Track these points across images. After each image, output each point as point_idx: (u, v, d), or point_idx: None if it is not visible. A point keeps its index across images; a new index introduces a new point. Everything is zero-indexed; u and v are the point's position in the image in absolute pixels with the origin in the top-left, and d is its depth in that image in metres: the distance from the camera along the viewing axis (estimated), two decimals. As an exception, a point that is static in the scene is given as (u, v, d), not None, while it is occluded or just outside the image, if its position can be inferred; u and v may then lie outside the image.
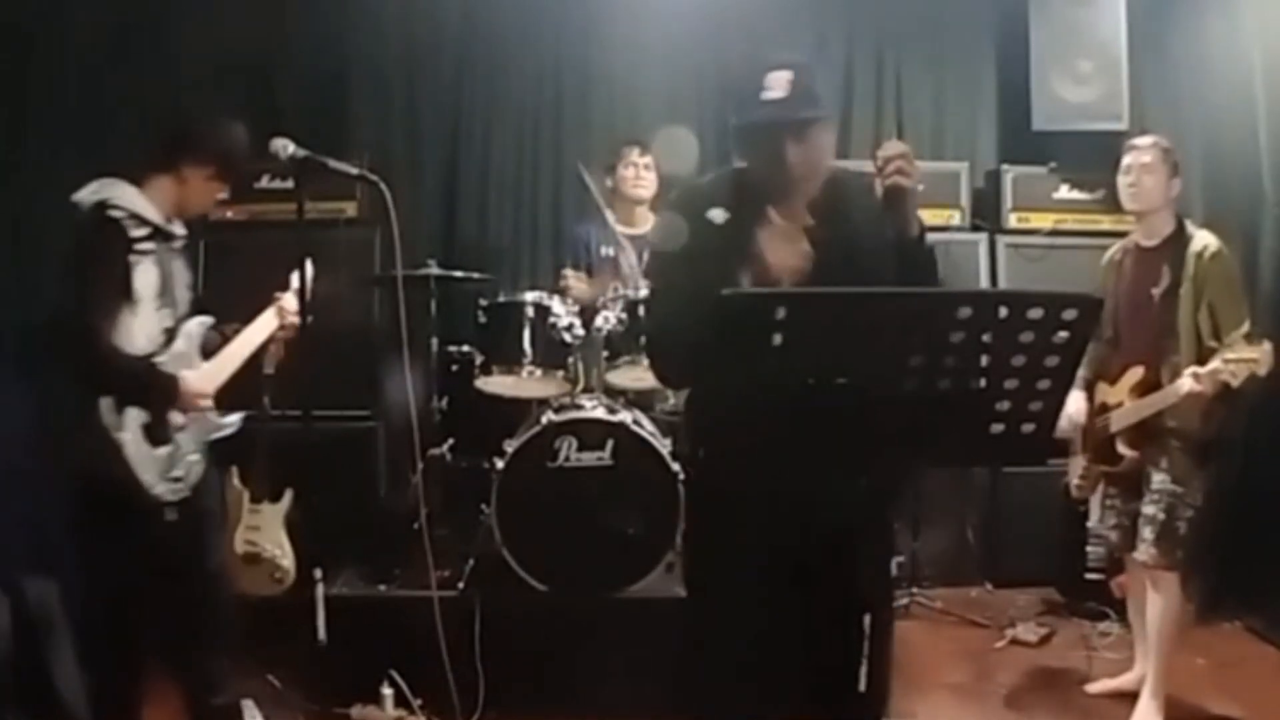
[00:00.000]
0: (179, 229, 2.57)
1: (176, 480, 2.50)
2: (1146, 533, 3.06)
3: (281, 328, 2.74)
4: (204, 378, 2.55)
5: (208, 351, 2.64)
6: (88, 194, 2.41)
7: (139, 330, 2.43)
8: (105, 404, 2.37)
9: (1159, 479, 3.06)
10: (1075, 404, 3.21)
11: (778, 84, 1.86)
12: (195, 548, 2.62)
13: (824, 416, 1.42)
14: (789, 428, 1.44)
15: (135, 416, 2.42)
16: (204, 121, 2.59)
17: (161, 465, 2.47)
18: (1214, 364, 2.83)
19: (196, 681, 2.64)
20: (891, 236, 1.87)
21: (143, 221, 2.44)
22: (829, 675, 1.88)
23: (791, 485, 2.01)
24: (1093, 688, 3.41)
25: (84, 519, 2.49)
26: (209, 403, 2.55)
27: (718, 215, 1.98)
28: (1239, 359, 2.79)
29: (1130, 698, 3.19)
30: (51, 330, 2.45)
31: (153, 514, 2.46)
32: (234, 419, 2.65)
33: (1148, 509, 3.07)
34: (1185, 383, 2.88)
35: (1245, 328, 2.89)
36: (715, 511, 2.09)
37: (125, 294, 2.40)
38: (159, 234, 2.48)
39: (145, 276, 2.44)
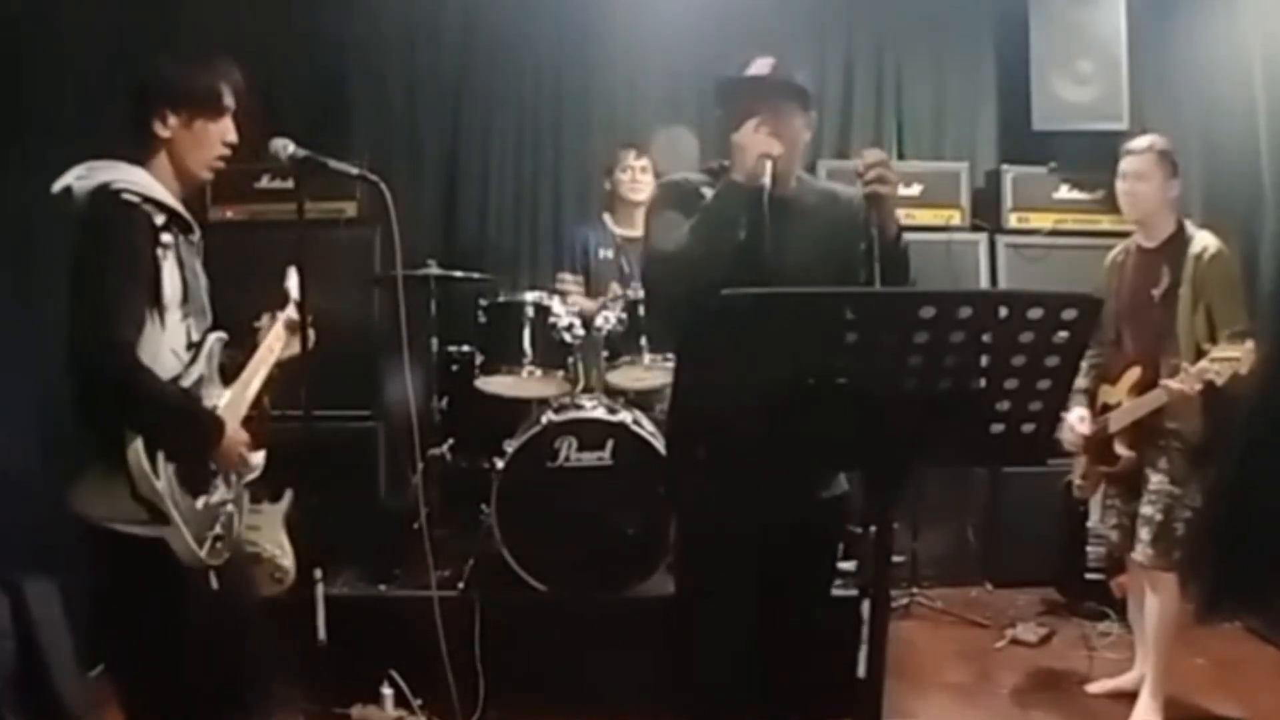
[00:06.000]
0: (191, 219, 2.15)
1: (219, 540, 2.07)
2: (1144, 533, 3.06)
3: (287, 345, 2.41)
4: (236, 416, 2.16)
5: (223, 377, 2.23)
6: (78, 180, 1.97)
7: (165, 346, 2.00)
8: (136, 446, 1.91)
9: (1157, 480, 3.06)
10: (1077, 415, 3.21)
11: (761, 65, 2.12)
12: (239, 613, 2.19)
13: (824, 416, 1.42)
14: (788, 428, 1.44)
15: (167, 461, 1.97)
16: (175, 59, 2.10)
17: (202, 521, 2.04)
18: (1201, 363, 2.85)
19: None
20: (873, 236, 1.93)
21: (160, 207, 1.99)
22: (827, 670, 1.88)
23: (790, 484, 2.01)
24: (1093, 688, 3.42)
25: (123, 596, 1.99)
26: (249, 449, 2.17)
27: (707, 192, 2.12)
28: (1223, 358, 2.81)
29: (1130, 698, 3.20)
30: (72, 355, 1.92)
31: (198, 582, 2.02)
32: (260, 457, 2.26)
33: (1145, 510, 3.07)
34: (1172, 381, 2.89)
35: (1237, 328, 2.90)
36: (709, 511, 2.10)
37: (155, 300, 1.96)
38: (178, 223, 2.06)
39: (171, 278, 2.01)
